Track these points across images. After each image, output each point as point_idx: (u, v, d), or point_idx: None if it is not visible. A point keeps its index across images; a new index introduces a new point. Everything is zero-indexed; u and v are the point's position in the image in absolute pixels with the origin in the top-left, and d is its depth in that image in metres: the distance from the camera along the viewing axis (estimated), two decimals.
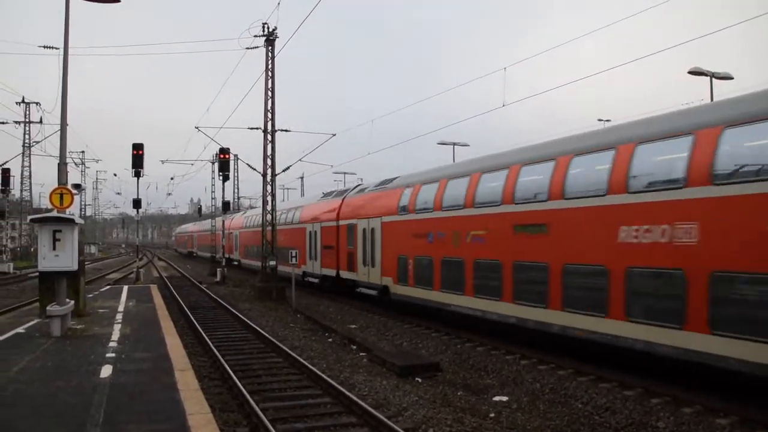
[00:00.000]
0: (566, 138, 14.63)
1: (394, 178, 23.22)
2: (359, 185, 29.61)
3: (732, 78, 26.70)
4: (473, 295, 16.37)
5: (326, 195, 31.38)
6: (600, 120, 34.60)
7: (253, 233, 40.08)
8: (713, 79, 25.80)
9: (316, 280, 28.70)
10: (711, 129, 10.16)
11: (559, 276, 13.22)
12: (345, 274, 25.50)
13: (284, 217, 34.30)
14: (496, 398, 11.14)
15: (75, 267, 14.53)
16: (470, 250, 16.55)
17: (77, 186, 55.24)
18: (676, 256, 10.51)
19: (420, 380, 12.48)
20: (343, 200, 27.16)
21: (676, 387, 10.87)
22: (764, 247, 9.07)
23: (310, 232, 29.90)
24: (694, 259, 10.19)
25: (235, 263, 48.67)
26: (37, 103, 54.36)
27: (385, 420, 8.93)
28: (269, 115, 29.60)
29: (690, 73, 25.66)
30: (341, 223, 26.06)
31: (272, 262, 29.45)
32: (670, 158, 11.02)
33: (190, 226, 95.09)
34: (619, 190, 11.74)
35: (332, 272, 26.62)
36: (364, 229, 23.56)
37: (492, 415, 10.09)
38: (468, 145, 42.50)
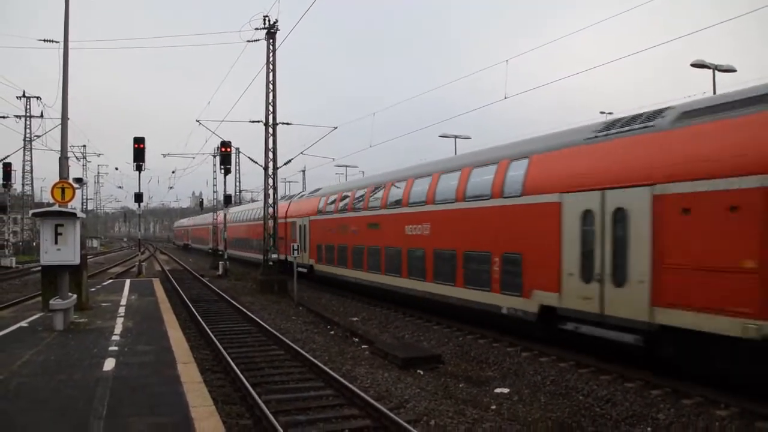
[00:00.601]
0: (394, 170, 23.24)
1: (319, 189, 32.49)
2: (302, 192, 37.05)
3: (735, 70, 26.59)
4: (351, 268, 24.69)
5: (282, 198, 38.98)
6: (602, 112, 34.52)
7: (233, 227, 48.06)
8: (716, 71, 25.70)
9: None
10: (435, 174, 18.75)
11: (384, 254, 21.56)
12: (290, 258, 31.33)
13: (253, 214, 42.40)
14: (498, 390, 11.18)
15: (77, 261, 14.50)
16: (350, 239, 24.83)
17: (79, 180, 55.30)
18: (423, 241, 18.83)
19: (422, 372, 12.52)
20: (290, 202, 35.32)
21: (676, 379, 10.90)
22: (450, 236, 17.32)
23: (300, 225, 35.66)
24: (428, 243, 18.42)
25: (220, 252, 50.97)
26: (37, 98, 54.51)
27: (387, 412, 8.97)
28: (270, 108, 29.60)
29: (693, 65, 25.54)
30: (288, 220, 33.47)
31: (274, 255, 29.65)
32: (420, 189, 19.36)
33: (185, 221, 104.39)
34: (405, 204, 20.28)
35: (283, 257, 32.42)
36: (300, 225, 31.79)
37: (493, 407, 10.13)
38: (469, 138, 42.43)
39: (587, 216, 12.17)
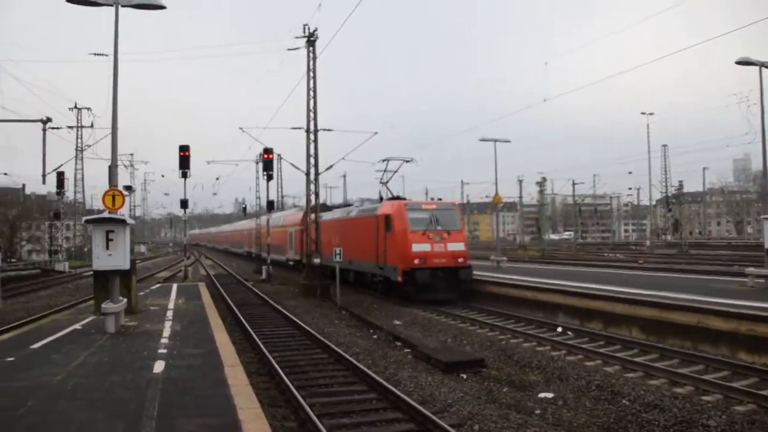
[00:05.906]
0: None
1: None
2: (295, 207, 49.54)
3: None
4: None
5: (297, 208, 51.71)
6: (643, 113, 33.86)
7: (262, 232, 52.91)
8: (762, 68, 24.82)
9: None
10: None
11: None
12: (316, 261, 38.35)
13: (278, 221, 50.13)
14: (542, 395, 11.07)
15: (127, 266, 14.89)
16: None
17: (128, 187, 56.86)
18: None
19: (465, 376, 12.49)
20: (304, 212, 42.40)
21: (728, 386, 10.63)
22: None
23: (289, 233, 44.79)
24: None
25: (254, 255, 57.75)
26: (88, 109, 56.17)
27: (431, 416, 8.99)
28: (311, 114, 29.93)
29: (738, 63, 24.69)
30: (288, 228, 43.45)
31: (317, 260, 29.91)
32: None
33: (195, 231, 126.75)
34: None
35: (298, 257, 40.02)
36: (290, 232, 42.60)
37: (537, 411, 10.05)
38: (509, 141, 41.99)
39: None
